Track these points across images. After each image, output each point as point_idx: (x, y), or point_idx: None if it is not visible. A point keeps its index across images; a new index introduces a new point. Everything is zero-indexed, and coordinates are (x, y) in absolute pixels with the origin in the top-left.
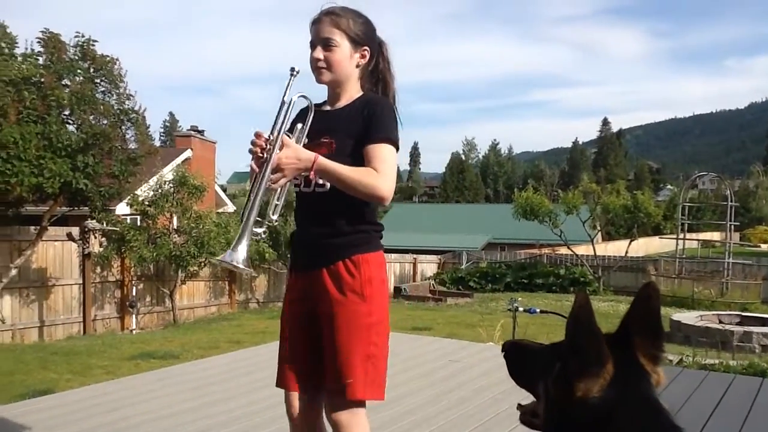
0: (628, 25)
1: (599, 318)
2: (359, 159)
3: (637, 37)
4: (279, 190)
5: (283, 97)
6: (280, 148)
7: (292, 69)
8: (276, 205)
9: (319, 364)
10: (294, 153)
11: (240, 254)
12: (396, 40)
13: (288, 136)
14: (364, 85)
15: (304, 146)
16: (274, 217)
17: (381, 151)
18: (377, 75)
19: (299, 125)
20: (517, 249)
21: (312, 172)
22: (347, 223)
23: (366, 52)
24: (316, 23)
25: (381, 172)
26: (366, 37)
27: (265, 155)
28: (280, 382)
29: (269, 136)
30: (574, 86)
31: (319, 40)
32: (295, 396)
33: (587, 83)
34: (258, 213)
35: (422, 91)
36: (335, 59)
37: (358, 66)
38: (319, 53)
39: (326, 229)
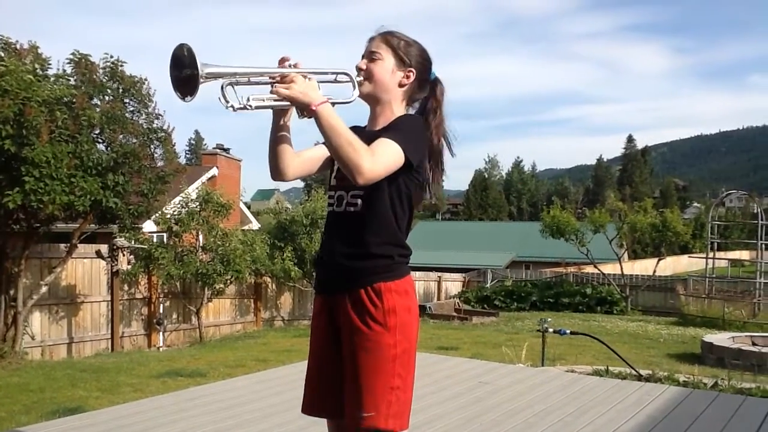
0: (650, 41)
1: (629, 338)
2: (379, 183)
3: (660, 53)
4: (266, 100)
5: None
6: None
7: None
8: (259, 100)
9: (342, 389)
10: (309, 85)
11: (209, 68)
12: None
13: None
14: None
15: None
16: (252, 103)
17: (383, 142)
18: (425, 113)
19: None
20: (542, 267)
21: (313, 107)
22: (374, 245)
23: (411, 73)
24: (369, 40)
25: (375, 152)
26: (414, 60)
27: (286, 65)
28: (305, 407)
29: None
30: (598, 103)
31: (366, 53)
32: (327, 423)
33: (611, 100)
34: (232, 82)
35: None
36: (376, 71)
37: (401, 86)
38: (363, 64)
39: (352, 250)
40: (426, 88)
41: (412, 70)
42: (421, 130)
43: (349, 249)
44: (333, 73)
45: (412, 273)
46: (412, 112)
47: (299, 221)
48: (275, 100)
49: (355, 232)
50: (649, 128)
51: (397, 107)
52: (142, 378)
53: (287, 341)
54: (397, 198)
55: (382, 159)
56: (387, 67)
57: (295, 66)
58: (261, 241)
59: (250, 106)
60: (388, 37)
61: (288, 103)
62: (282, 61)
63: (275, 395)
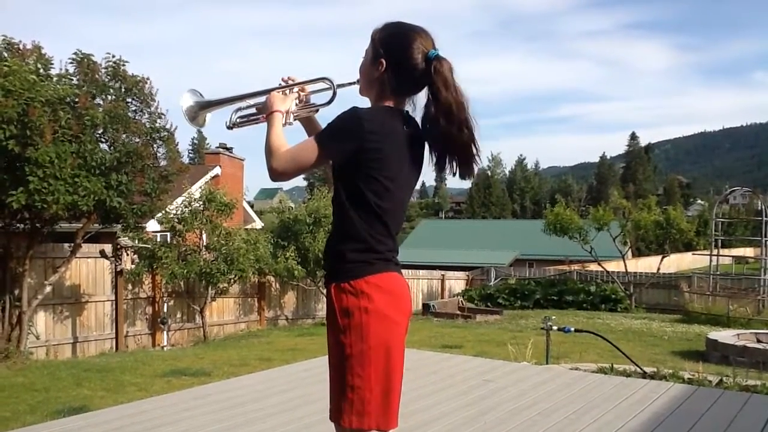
0: (653, 38)
1: (633, 336)
2: (335, 184)
3: (663, 50)
4: (252, 117)
5: (332, 82)
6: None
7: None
8: (242, 116)
9: None
10: (276, 99)
11: (191, 98)
12: None
13: (299, 93)
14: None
15: None
16: (237, 121)
17: (304, 141)
18: (426, 104)
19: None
20: (546, 265)
21: (262, 118)
22: (331, 245)
23: (381, 64)
24: None
25: (289, 151)
26: (384, 47)
27: (280, 84)
28: None
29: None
30: (601, 101)
31: None
32: None
33: (614, 98)
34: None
35: None
36: (360, 67)
37: (376, 80)
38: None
39: (325, 251)
40: (413, 74)
41: (382, 60)
42: (348, 122)
43: (324, 251)
44: (314, 81)
45: (416, 271)
46: (409, 107)
47: (302, 220)
48: (254, 115)
49: (330, 233)
50: (652, 126)
51: (380, 103)
52: (146, 377)
53: (291, 340)
54: (351, 196)
55: (294, 154)
56: (365, 64)
57: (286, 81)
58: (264, 240)
59: (236, 123)
60: (373, 31)
61: (261, 114)
62: (283, 80)
63: (279, 394)
